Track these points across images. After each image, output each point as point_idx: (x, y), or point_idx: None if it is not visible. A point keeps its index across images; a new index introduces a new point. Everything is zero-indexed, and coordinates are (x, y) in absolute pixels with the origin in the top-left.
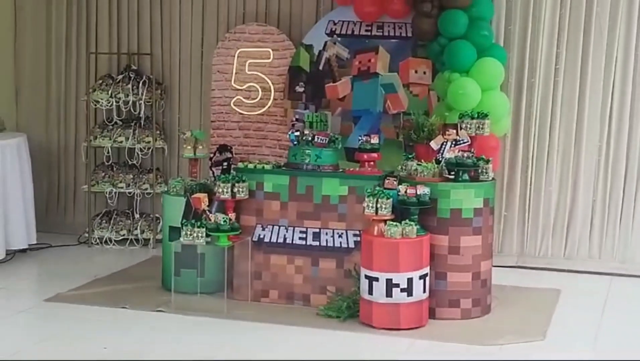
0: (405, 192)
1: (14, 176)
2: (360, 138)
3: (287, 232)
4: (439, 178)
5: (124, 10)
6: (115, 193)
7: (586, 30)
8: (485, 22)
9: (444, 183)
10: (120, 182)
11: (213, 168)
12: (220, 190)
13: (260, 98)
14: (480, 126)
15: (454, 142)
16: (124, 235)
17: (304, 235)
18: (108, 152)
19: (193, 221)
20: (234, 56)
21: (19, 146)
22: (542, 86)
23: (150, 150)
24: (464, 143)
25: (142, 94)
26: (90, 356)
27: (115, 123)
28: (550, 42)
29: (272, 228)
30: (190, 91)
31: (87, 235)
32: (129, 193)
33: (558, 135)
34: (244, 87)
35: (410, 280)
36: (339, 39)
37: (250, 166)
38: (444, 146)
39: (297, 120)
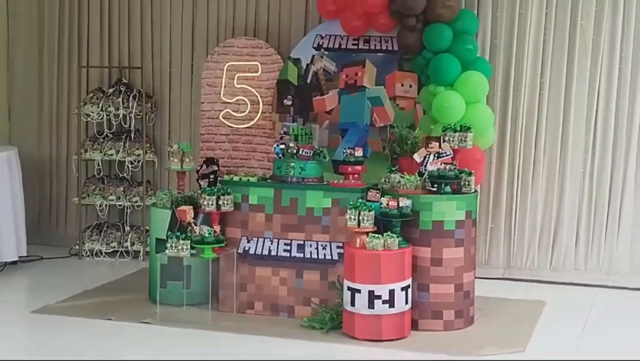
0: (387, 204)
1: (5, 188)
2: (344, 151)
3: (272, 244)
4: (422, 190)
5: (115, 24)
6: (105, 205)
7: (571, 43)
8: (470, 36)
9: (426, 195)
10: (111, 194)
11: (200, 181)
12: (206, 202)
13: (249, 112)
14: (463, 139)
15: (436, 155)
16: (114, 247)
17: (289, 247)
18: (99, 165)
19: (178, 233)
20: (223, 70)
21: (10, 159)
22: (528, 99)
23: (141, 163)
24: (447, 155)
25: (132, 107)
26: None
27: (106, 136)
28: (535, 55)
29: (257, 241)
30: (180, 104)
31: (77, 247)
32: (120, 205)
33: (543, 148)
34: (232, 100)
35: (392, 292)
36: (326, 52)
37: (236, 178)
38: (426, 159)
39: (285, 133)
